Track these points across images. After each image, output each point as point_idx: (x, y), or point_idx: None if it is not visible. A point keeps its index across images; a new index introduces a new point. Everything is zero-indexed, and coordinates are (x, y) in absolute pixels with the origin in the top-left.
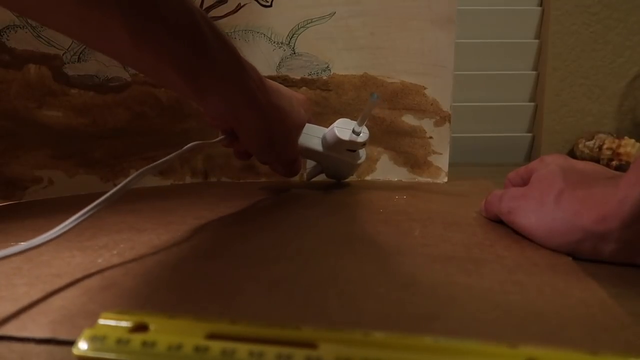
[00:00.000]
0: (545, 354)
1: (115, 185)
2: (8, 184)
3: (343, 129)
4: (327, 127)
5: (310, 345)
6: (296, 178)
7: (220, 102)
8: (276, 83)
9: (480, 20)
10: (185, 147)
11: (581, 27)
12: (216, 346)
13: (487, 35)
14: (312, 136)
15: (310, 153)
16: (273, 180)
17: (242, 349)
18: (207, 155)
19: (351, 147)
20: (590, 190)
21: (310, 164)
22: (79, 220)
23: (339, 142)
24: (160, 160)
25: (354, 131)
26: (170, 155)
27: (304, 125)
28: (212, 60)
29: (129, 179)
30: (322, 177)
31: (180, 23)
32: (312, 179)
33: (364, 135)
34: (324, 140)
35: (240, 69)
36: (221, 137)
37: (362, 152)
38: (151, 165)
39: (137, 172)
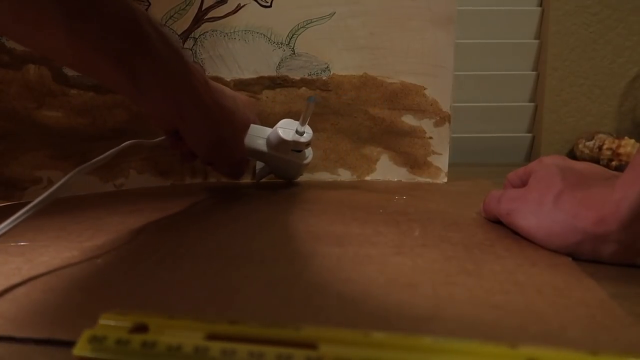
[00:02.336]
0: (545, 354)
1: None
2: (8, 184)
3: (286, 129)
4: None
5: (310, 345)
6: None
7: (163, 101)
8: (219, 84)
9: (480, 20)
10: (122, 145)
11: (581, 27)
12: (216, 346)
13: (487, 35)
14: (257, 137)
15: (256, 154)
16: (273, 180)
17: (242, 349)
18: None
19: (296, 148)
20: (589, 191)
21: (259, 165)
22: (15, 223)
23: (283, 142)
24: (94, 160)
25: (297, 131)
26: (105, 155)
27: (249, 125)
28: (154, 58)
29: (62, 181)
30: (320, 177)
31: (119, 21)
32: (261, 179)
33: (307, 135)
34: (268, 141)
35: (184, 68)
36: (162, 137)
37: (309, 152)
38: (84, 165)
39: (70, 173)
